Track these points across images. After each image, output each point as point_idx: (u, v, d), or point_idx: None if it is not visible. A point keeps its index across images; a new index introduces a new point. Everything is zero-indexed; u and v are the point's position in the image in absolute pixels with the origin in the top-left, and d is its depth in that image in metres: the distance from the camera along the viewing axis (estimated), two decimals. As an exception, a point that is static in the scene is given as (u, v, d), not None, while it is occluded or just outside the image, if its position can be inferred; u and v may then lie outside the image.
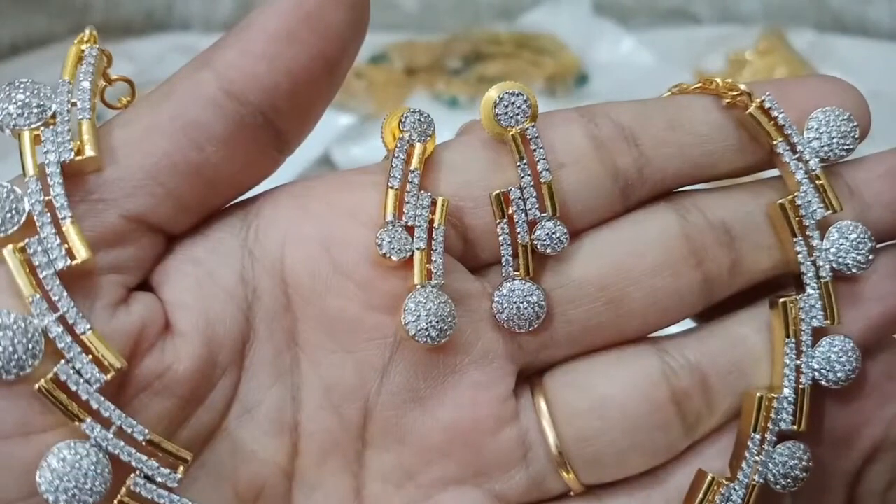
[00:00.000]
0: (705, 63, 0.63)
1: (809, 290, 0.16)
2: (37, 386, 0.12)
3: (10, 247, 0.13)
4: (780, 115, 0.16)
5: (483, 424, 0.15)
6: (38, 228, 0.13)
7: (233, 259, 0.15)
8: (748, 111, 0.16)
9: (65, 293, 0.13)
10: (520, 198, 0.15)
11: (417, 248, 0.14)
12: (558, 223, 0.15)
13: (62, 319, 0.12)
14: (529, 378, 0.16)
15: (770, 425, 0.15)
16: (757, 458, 0.16)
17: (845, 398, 0.16)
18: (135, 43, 0.68)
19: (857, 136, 0.17)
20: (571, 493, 0.16)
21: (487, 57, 0.60)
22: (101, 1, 0.68)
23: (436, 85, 0.57)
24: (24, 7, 0.66)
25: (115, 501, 0.13)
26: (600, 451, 0.16)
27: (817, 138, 0.16)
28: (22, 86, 0.13)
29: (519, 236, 0.15)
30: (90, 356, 0.12)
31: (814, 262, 0.16)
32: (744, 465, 0.16)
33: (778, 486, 0.16)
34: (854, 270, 0.16)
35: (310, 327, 0.15)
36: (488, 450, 0.15)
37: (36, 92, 0.13)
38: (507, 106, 0.15)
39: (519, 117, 0.15)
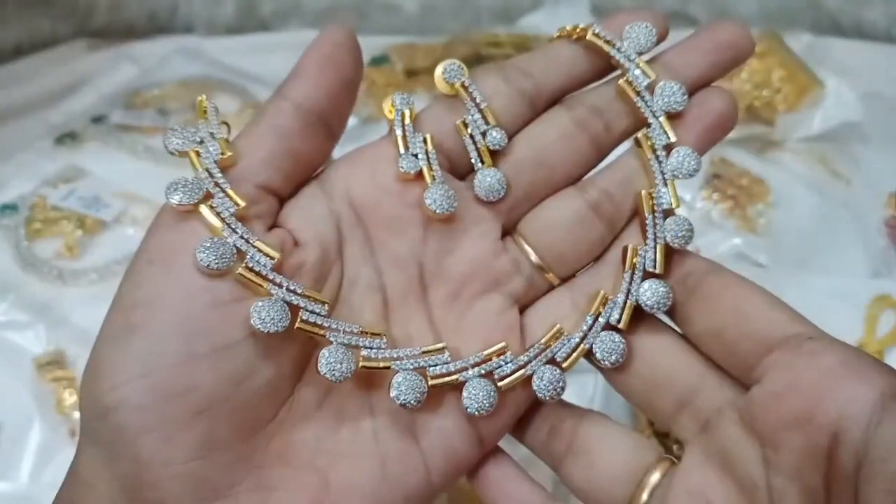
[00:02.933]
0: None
1: (652, 124, 0.24)
2: (238, 271, 0.21)
3: (203, 205, 0.21)
4: (605, 34, 0.24)
5: (487, 255, 0.24)
6: (213, 195, 0.21)
7: (321, 201, 0.23)
8: (587, 38, 0.24)
9: (239, 224, 0.21)
10: (472, 121, 0.24)
11: (423, 164, 0.23)
12: (498, 129, 0.24)
13: (241, 238, 0.21)
14: (510, 232, 0.25)
15: (656, 208, 0.24)
16: (654, 230, 0.24)
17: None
18: (138, 45, 0.68)
19: (654, 38, 0.24)
20: (555, 285, 0.25)
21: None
22: (105, 3, 0.68)
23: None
24: (28, 9, 0.66)
25: (295, 327, 0.21)
26: (561, 252, 0.24)
27: (629, 38, 0.25)
28: (182, 130, 0.23)
29: (477, 142, 0.24)
30: (260, 253, 0.21)
31: (651, 110, 0.24)
32: (648, 235, 0.24)
33: (675, 244, 0.24)
34: (678, 108, 0.24)
35: (375, 228, 0.23)
36: (494, 269, 0.24)
37: (192, 132, 0.22)
38: (449, 70, 0.24)
39: (458, 75, 0.24)
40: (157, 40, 0.69)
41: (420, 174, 0.23)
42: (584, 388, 0.45)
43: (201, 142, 0.22)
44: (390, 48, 0.67)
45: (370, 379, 0.23)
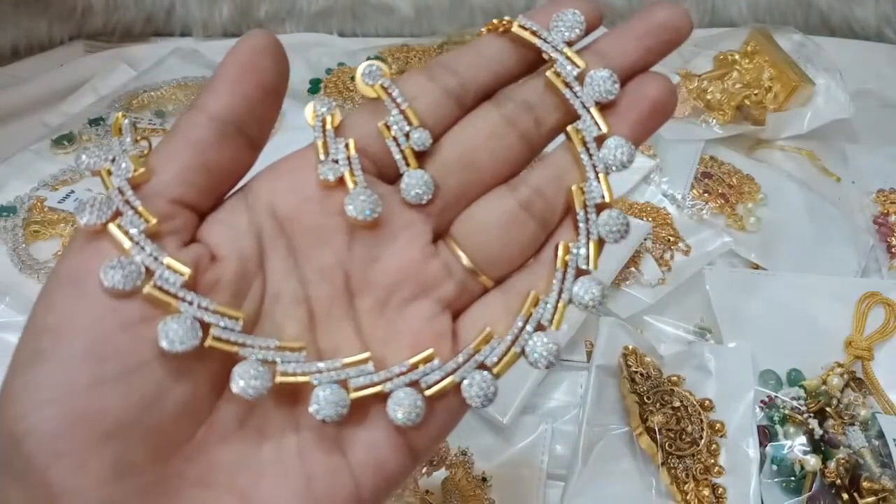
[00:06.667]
0: (693, 64, 0.63)
1: (583, 115, 0.23)
2: (145, 290, 0.20)
3: (111, 223, 0.21)
4: (531, 25, 0.24)
5: (416, 260, 0.23)
6: (123, 212, 0.21)
7: (242, 214, 0.23)
8: (512, 30, 0.24)
9: (149, 241, 0.21)
10: (395, 122, 0.23)
11: (344, 169, 0.23)
12: (421, 130, 0.23)
13: (150, 255, 0.21)
14: (442, 235, 0.25)
15: (588, 203, 0.23)
16: (586, 224, 0.23)
17: None
18: (135, 48, 0.69)
19: (583, 25, 0.24)
20: (489, 288, 0.24)
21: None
22: (102, 6, 0.68)
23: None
24: (26, 12, 0.67)
25: (206, 344, 0.21)
26: (492, 253, 0.24)
27: (556, 28, 0.24)
28: (95, 148, 0.22)
29: (401, 144, 0.23)
30: (171, 271, 0.21)
31: (581, 101, 0.23)
32: (580, 231, 0.23)
33: (609, 239, 0.23)
34: (609, 97, 0.23)
35: (297, 237, 0.23)
36: (424, 275, 0.23)
37: (105, 149, 0.22)
38: (367, 71, 0.24)
39: (377, 76, 0.24)
40: (154, 43, 0.70)
41: (342, 180, 0.23)
42: (574, 385, 0.45)
43: (114, 159, 0.22)
44: (385, 50, 0.67)
45: (295, 394, 0.22)
